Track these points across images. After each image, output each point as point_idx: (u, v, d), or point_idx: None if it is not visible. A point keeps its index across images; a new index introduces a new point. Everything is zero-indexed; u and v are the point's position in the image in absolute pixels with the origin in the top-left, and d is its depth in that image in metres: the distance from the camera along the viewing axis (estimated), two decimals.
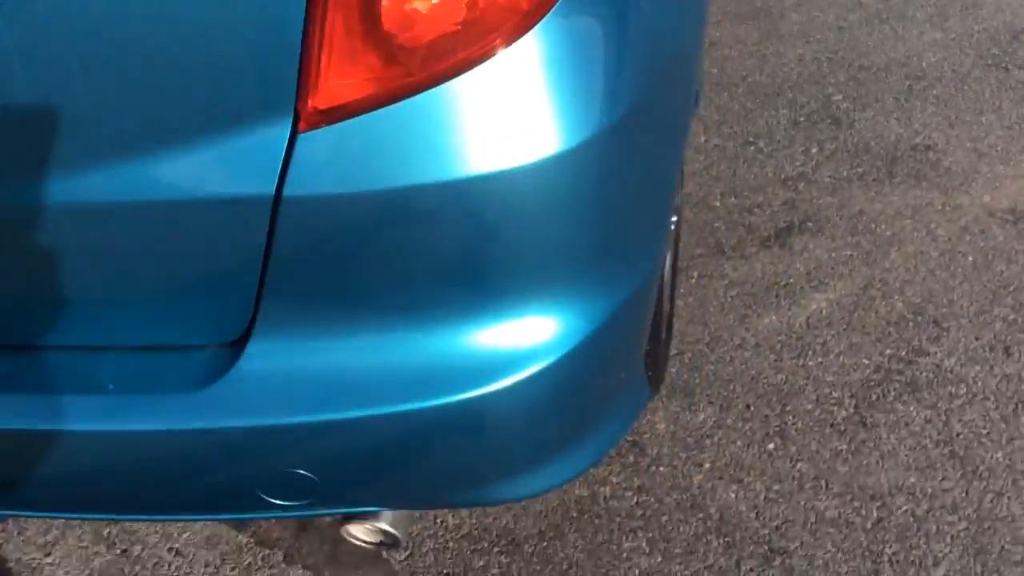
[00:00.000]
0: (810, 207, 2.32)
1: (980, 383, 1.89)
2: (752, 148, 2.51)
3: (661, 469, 1.80)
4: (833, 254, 2.19)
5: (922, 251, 2.19)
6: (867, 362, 1.95)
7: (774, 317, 2.06)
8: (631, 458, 1.82)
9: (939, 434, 1.80)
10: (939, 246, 2.20)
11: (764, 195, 2.37)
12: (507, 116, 1.00)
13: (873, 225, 2.26)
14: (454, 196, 1.00)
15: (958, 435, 1.80)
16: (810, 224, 2.27)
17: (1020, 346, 1.96)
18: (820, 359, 1.96)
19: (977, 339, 1.98)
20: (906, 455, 1.77)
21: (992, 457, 1.76)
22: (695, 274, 2.17)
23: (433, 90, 0.97)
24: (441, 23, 0.97)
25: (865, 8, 3.09)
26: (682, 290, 2.13)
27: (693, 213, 2.32)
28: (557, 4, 1.01)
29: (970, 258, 2.17)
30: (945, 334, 1.99)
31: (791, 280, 2.14)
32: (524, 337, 1.11)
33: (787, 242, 2.23)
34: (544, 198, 1.05)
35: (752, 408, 1.88)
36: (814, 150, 2.50)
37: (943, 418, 1.83)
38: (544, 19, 1.00)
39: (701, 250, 2.23)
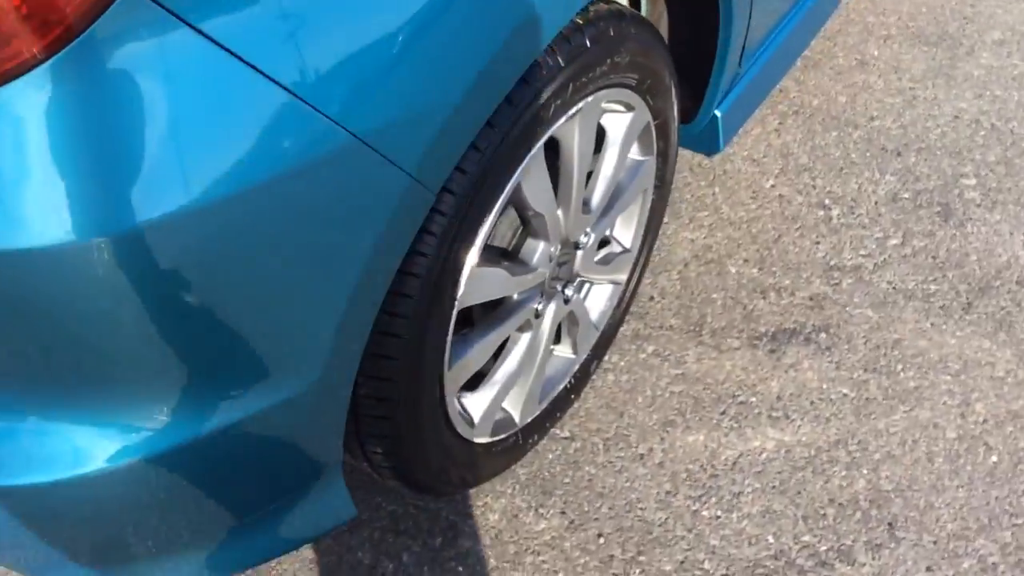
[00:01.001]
0: (838, 315, 1.84)
1: None
2: (820, 213, 2.02)
3: (460, 569, 1.52)
4: (825, 386, 1.73)
5: (938, 424, 1.68)
6: (771, 541, 1.54)
7: (702, 438, 1.66)
8: (438, 541, 1.55)
9: None
10: (964, 426, 1.68)
11: (793, 279, 1.90)
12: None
13: (900, 367, 1.76)
14: None
15: None
16: (823, 336, 1.80)
17: None
18: (719, 513, 1.57)
19: (928, 570, 1.51)
20: None
21: None
22: (650, 348, 1.79)
23: None
24: None
25: None
26: (623, 361, 1.77)
27: (696, 272, 1.91)
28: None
29: (994, 458, 1.64)
30: (891, 547, 1.53)
31: (753, 399, 1.72)
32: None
33: (780, 349, 1.79)
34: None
35: (603, 540, 1.54)
36: (893, 241, 1.97)
37: None
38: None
39: (676, 322, 1.83)
